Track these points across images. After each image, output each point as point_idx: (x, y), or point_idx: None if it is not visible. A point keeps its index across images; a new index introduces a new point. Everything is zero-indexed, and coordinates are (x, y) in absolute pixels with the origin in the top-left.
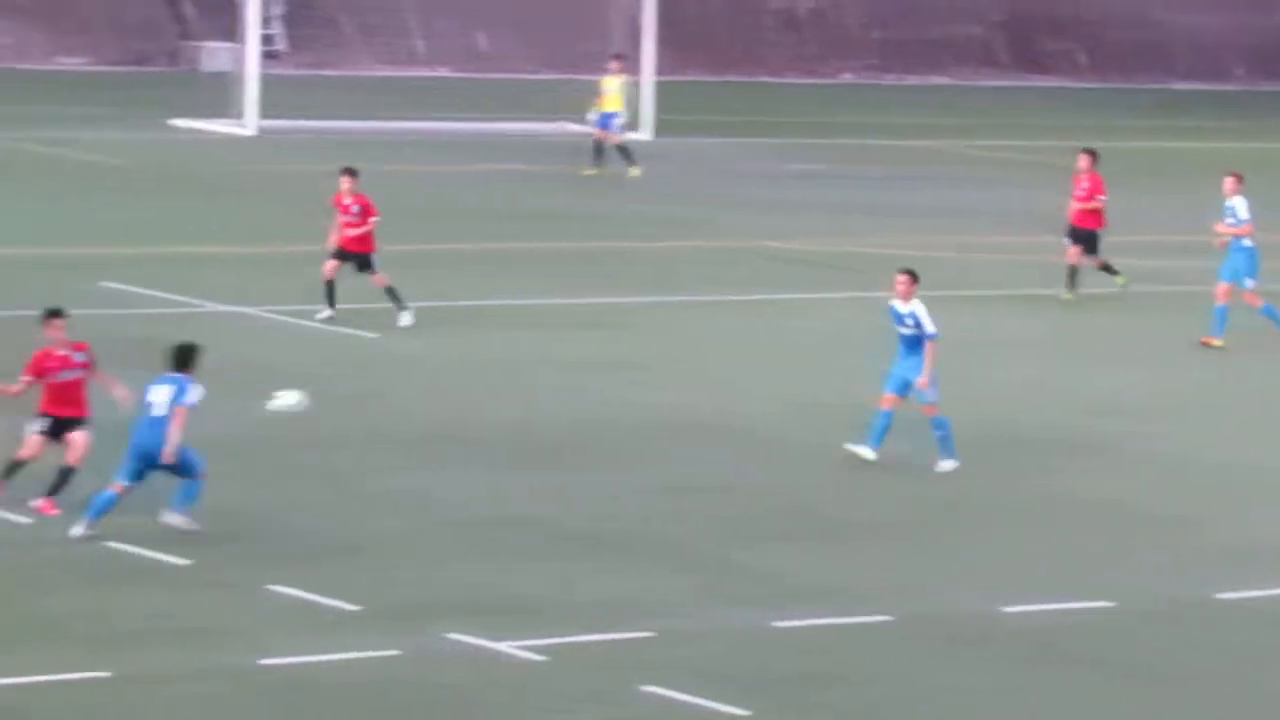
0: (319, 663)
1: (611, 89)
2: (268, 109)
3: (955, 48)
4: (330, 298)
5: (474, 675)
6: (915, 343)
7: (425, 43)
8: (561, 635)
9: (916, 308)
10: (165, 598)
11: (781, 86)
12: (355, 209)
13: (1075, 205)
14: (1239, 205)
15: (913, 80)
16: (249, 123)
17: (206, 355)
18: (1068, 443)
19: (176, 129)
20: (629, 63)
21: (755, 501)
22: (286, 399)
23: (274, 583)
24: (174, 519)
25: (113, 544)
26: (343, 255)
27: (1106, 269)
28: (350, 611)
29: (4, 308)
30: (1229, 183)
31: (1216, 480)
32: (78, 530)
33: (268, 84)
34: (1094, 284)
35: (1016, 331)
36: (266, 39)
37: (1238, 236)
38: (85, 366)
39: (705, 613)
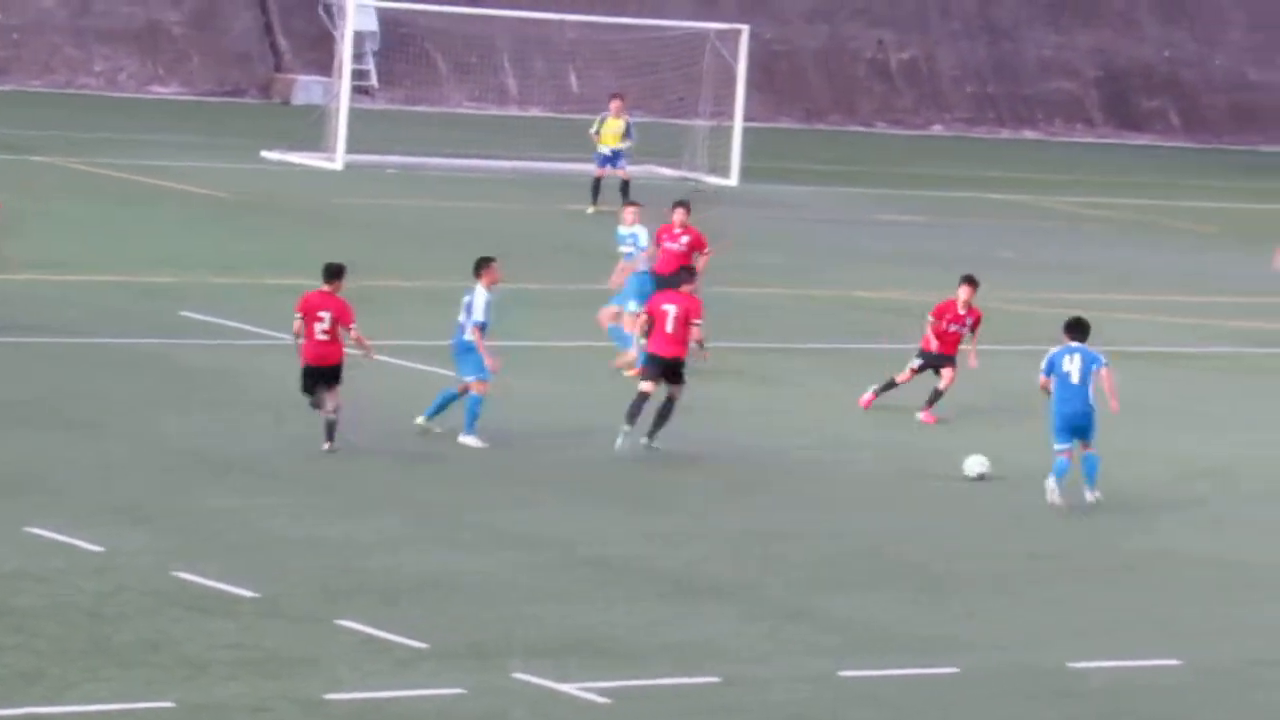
0: (383, 699)
1: (613, 129)
2: (357, 143)
3: (1048, 103)
4: None
5: (537, 715)
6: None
7: (518, 82)
8: (629, 678)
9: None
10: (232, 629)
11: (872, 136)
12: None
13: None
14: (640, 234)
15: (1004, 134)
16: (338, 157)
17: (269, 387)
18: (1165, 502)
19: (267, 160)
20: (686, 104)
21: (838, 547)
22: (975, 464)
23: (343, 617)
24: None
25: (183, 575)
26: None
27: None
28: (418, 648)
29: (85, 335)
30: (629, 213)
31: None
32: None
33: (359, 118)
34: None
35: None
36: (360, 74)
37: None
38: None
39: (774, 659)
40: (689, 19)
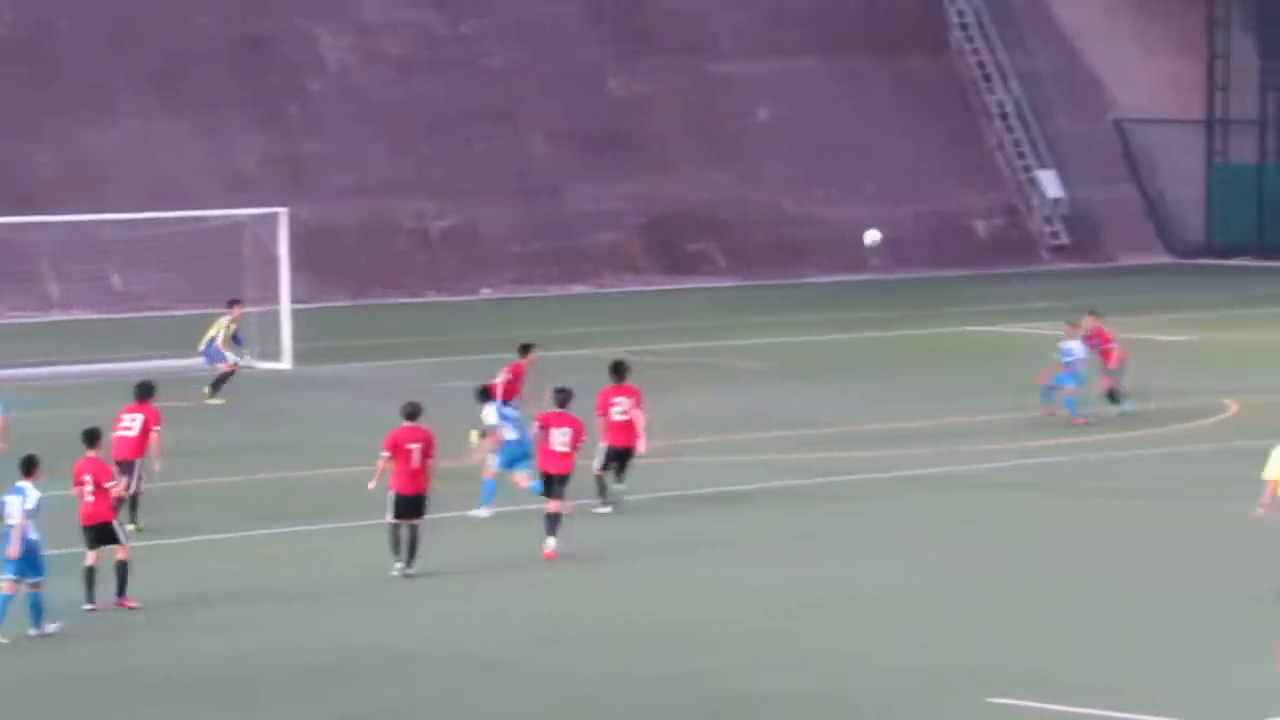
0: None
1: (229, 332)
2: None
3: (594, 256)
4: None
5: None
6: None
7: (59, 287)
8: None
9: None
10: None
11: (422, 306)
12: None
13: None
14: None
15: (554, 291)
16: None
17: None
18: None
19: None
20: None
21: None
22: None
23: None
24: None
25: None
26: None
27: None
28: None
29: None
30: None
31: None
32: None
33: None
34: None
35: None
36: None
37: None
38: None
39: None
40: (224, 207)
